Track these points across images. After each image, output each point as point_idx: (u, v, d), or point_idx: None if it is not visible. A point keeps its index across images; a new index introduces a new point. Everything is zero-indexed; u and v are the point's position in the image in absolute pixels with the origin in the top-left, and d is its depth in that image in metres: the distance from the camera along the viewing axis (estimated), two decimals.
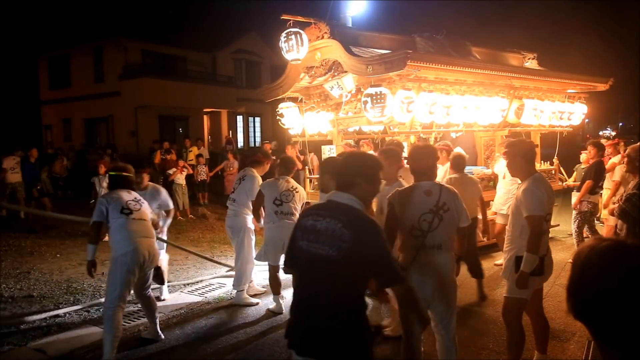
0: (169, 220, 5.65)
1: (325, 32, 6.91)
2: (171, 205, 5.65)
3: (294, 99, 8.06)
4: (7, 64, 23.62)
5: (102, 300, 5.68)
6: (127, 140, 20.87)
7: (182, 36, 22.96)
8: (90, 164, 16.76)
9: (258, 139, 27.11)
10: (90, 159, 16.97)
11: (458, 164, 5.78)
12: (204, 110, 24.44)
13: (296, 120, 7.85)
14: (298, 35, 6.77)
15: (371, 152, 8.65)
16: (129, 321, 5.05)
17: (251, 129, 27.44)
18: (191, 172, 12.55)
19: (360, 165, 2.44)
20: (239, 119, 26.43)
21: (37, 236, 9.49)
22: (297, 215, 5.23)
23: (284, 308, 5.20)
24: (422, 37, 7.78)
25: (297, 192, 5.34)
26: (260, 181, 5.60)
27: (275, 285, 5.30)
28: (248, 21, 25.58)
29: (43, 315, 5.17)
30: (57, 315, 5.20)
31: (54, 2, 25.78)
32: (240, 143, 25.64)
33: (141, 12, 22.82)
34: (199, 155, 13.75)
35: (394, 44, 7.49)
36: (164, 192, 5.57)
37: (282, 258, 5.22)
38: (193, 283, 6.40)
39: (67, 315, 5.24)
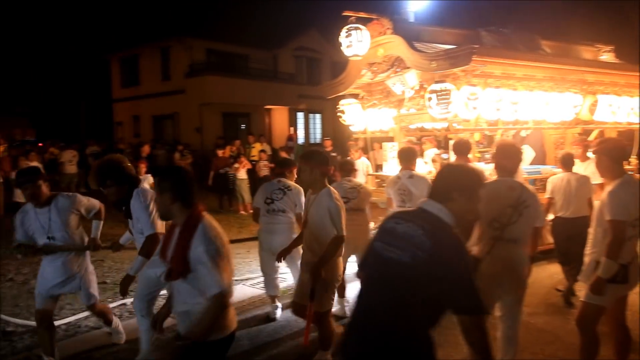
0: None
1: (388, 28, 6.84)
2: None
3: (355, 96, 8.03)
4: (83, 65, 25.01)
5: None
6: (192, 137, 21.57)
7: (244, 35, 23.45)
8: (157, 160, 17.51)
9: (318, 136, 27.27)
10: (157, 154, 17.70)
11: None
12: (266, 107, 24.86)
13: (357, 116, 7.82)
14: (359, 31, 6.74)
15: (432, 149, 8.50)
16: None
17: (312, 126, 27.64)
18: (250, 167, 12.79)
19: (459, 179, 2.23)
20: (300, 115, 26.68)
21: (109, 226, 9.97)
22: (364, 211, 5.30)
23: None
24: (488, 31, 7.54)
25: (361, 189, 5.37)
26: None
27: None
28: (309, 18, 25.75)
29: (117, 303, 5.47)
30: (124, 304, 5.49)
31: (124, 4, 27.06)
32: (301, 140, 25.88)
33: (205, 11, 23.50)
34: (261, 151, 14.00)
35: (458, 39, 7.30)
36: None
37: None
38: (255, 277, 6.52)
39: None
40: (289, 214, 5.08)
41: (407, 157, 5.29)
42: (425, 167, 7.86)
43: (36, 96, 25.61)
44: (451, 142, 6.84)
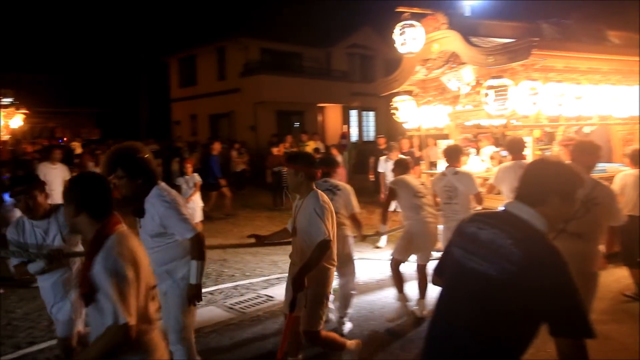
0: None
1: (443, 23, 6.72)
2: None
3: (409, 93, 7.93)
4: (144, 67, 26.03)
5: (225, 285, 6.09)
6: (247, 135, 21.98)
7: (298, 33, 23.64)
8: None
9: (372, 133, 27.13)
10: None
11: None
12: (319, 105, 24.97)
13: (412, 114, 7.72)
14: (413, 27, 6.65)
15: (489, 147, 8.27)
16: (249, 306, 5.33)
17: (365, 123, 27.54)
18: None
19: (557, 178, 1.91)
20: (353, 113, 26.63)
21: None
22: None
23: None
24: (548, 23, 7.25)
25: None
26: None
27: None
28: (362, 16, 25.62)
29: None
30: None
31: (181, 8, 27.91)
32: (355, 137, 25.83)
33: (259, 11, 23.87)
34: (315, 149, 14.08)
35: (517, 32, 7.06)
36: None
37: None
38: None
39: None
40: (341, 213, 5.01)
41: (453, 154, 5.31)
42: (483, 164, 7.67)
43: (101, 97, 26.86)
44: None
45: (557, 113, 6.25)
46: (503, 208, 1.97)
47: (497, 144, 8.58)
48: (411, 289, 5.22)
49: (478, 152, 8.42)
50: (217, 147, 11.54)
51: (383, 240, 7.79)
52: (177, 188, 7.68)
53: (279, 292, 5.69)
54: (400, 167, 5.50)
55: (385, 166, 8.65)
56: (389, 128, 21.64)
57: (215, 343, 4.46)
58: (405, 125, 8.16)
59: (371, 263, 6.99)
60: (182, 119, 27.08)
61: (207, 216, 10.20)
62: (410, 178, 5.30)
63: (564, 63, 6.34)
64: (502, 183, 5.33)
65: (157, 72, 27.90)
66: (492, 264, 1.76)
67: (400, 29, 6.68)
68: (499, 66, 5.93)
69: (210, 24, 24.75)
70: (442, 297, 1.96)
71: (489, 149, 8.53)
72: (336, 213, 4.63)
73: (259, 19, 23.43)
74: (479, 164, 7.65)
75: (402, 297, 5.06)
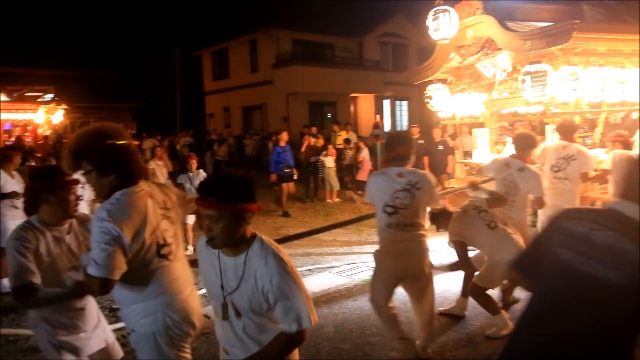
0: None
1: (478, 8, 6.52)
2: None
3: (443, 81, 7.77)
4: (178, 61, 26.43)
5: None
6: (280, 126, 22.02)
7: (329, 23, 23.53)
8: (247, 149, 18.14)
9: (405, 123, 26.84)
10: (247, 144, 18.32)
11: None
12: (351, 95, 24.83)
13: (445, 102, 7.56)
14: (447, 13, 6.48)
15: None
16: None
17: (398, 113, 27.25)
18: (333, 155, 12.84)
19: None
20: (386, 103, 26.39)
21: None
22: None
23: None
24: (590, 4, 6.96)
25: None
26: None
27: None
28: (394, 3, 25.30)
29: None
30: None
31: (213, 1, 28.21)
32: (387, 127, 25.61)
33: (290, 2, 23.85)
34: (347, 140, 14.00)
35: (556, 15, 6.80)
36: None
37: None
38: (340, 265, 6.56)
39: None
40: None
41: (524, 144, 4.69)
42: None
43: (137, 91, 27.46)
44: (548, 127, 6.41)
45: (599, 99, 6.00)
46: (611, 206, 1.74)
47: (534, 131, 8.33)
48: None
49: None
50: (284, 137, 10.81)
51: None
52: (180, 187, 6.97)
53: (311, 283, 5.70)
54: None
55: None
56: (422, 117, 21.37)
57: None
58: (439, 114, 8.01)
59: None
60: (216, 112, 27.43)
61: (284, 212, 10.15)
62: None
63: (607, 46, 6.06)
64: (543, 160, 5.24)
65: (191, 65, 28.29)
66: (614, 270, 1.59)
67: (434, 15, 6.53)
68: (537, 51, 5.72)
69: (242, 17, 24.91)
70: (539, 301, 1.75)
71: None
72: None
73: (290, 10, 23.42)
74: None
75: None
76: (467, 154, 8.81)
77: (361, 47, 25.69)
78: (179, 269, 2.41)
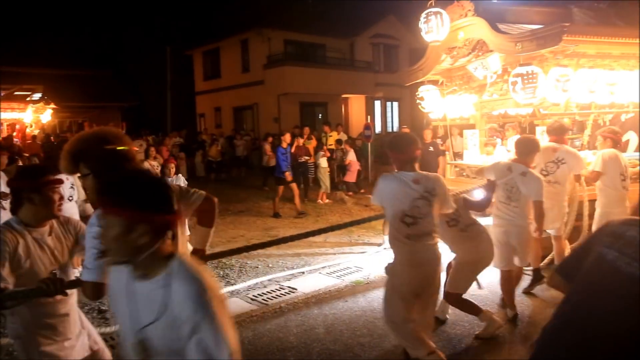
0: None
1: (469, 10, 6.56)
2: None
3: (434, 82, 7.79)
4: (169, 60, 26.30)
5: (247, 277, 6.09)
6: (271, 126, 22.03)
7: (321, 24, 23.53)
8: (237, 149, 18.06)
9: (396, 124, 26.90)
10: (238, 145, 18.25)
11: None
12: (343, 95, 24.85)
13: (437, 103, 7.59)
14: (438, 15, 6.51)
15: (516, 136, 8.07)
16: (271, 298, 5.32)
17: (389, 114, 27.30)
18: (329, 155, 12.83)
19: None
20: (377, 104, 26.42)
21: None
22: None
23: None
24: (580, 7, 7.01)
25: None
26: None
27: None
28: (386, 4, 25.35)
29: None
30: None
31: (204, 2, 28.14)
32: (378, 128, 25.65)
33: (282, 2, 23.82)
34: (338, 141, 14.01)
35: (546, 18, 6.85)
36: None
37: None
38: (331, 265, 6.54)
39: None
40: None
41: (526, 149, 4.59)
42: (508, 155, 7.48)
43: (127, 91, 27.26)
44: (538, 129, 6.45)
45: (588, 101, 6.05)
46: None
47: (524, 133, 8.38)
48: None
49: (504, 142, 8.23)
50: (287, 138, 10.73)
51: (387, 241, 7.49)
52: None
53: (301, 284, 5.69)
54: None
55: None
56: (413, 118, 21.42)
57: (237, 334, 4.45)
58: (430, 115, 8.03)
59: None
60: (207, 112, 27.30)
61: (275, 213, 10.11)
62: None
63: (597, 49, 6.11)
64: (490, 176, 4.86)
65: (182, 65, 28.15)
66: None
67: (425, 17, 6.55)
68: (528, 53, 5.75)
69: (234, 17, 24.83)
70: (579, 302, 1.73)
71: (515, 139, 8.32)
72: None
73: (282, 11, 23.38)
74: (505, 154, 7.48)
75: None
76: (458, 155, 8.82)
77: (353, 48, 25.72)
78: None
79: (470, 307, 4.29)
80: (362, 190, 12.42)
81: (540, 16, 6.92)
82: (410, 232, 3.29)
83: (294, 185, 10.26)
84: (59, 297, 2.37)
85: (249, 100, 23.97)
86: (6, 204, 5.82)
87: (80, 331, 2.69)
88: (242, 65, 24.63)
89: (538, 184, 4.38)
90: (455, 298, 4.28)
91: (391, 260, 3.48)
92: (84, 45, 27.75)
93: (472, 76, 7.23)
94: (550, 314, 1.81)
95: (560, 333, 1.71)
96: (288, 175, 10.21)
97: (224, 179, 16.49)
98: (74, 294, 2.64)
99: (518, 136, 8.18)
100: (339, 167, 13.28)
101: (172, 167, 7.12)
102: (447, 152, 9.29)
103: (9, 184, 2.67)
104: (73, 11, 28.99)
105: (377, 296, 5.32)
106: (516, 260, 4.55)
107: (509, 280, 4.62)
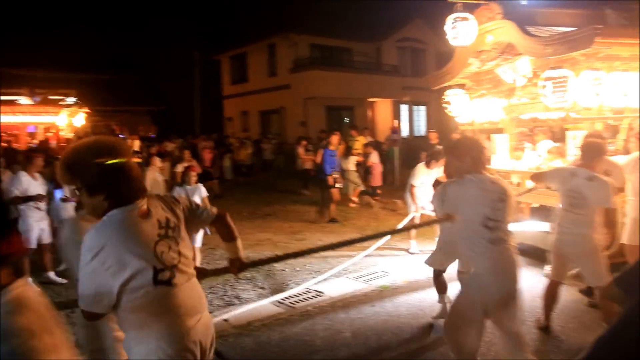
0: None
1: (498, 13, 6.49)
2: None
3: (461, 86, 7.73)
4: (197, 65, 26.70)
5: (275, 280, 6.14)
6: (297, 130, 22.11)
7: (347, 28, 23.56)
8: (265, 153, 18.22)
9: (423, 128, 26.71)
10: (265, 148, 18.41)
11: None
12: (369, 99, 24.82)
13: (464, 107, 7.52)
14: (465, 19, 6.46)
15: (546, 141, 7.95)
16: (298, 301, 5.35)
17: (415, 118, 27.14)
18: (361, 160, 12.82)
19: None
20: (404, 107, 26.30)
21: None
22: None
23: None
24: (613, 8, 6.86)
25: None
26: None
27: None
28: (413, 8, 25.23)
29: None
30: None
31: (232, 6, 28.49)
32: (405, 132, 25.52)
33: (309, 7, 23.95)
34: (365, 144, 13.98)
35: (578, 20, 6.73)
36: None
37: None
38: (358, 270, 6.54)
39: (245, 290, 5.76)
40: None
41: (592, 153, 4.30)
42: (539, 160, 7.37)
43: (157, 95, 27.78)
44: (569, 134, 6.32)
45: (622, 104, 5.91)
46: None
47: (554, 138, 8.24)
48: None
49: (534, 147, 8.10)
50: (334, 140, 10.48)
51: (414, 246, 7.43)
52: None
53: (328, 287, 5.70)
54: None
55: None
56: (440, 122, 21.21)
57: (265, 337, 4.50)
58: (457, 120, 7.96)
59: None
60: (234, 116, 27.62)
61: (331, 219, 9.96)
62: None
63: (631, 51, 5.96)
64: (552, 182, 4.73)
65: (210, 70, 28.56)
66: None
67: (452, 21, 6.51)
68: (558, 56, 5.66)
69: (261, 21, 25.07)
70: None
71: (545, 144, 8.19)
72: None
73: (308, 15, 23.51)
74: (536, 159, 7.37)
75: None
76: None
77: (379, 52, 25.68)
78: (183, 295, 2.07)
79: (438, 286, 4.79)
80: (379, 193, 12.28)
81: (571, 18, 6.81)
82: (494, 236, 3.09)
83: (335, 191, 10.15)
84: None
85: (276, 104, 24.16)
86: (42, 205, 6.01)
87: None
88: (269, 70, 24.86)
89: (607, 190, 4.07)
90: (435, 275, 4.77)
91: (466, 270, 3.30)
92: (114, 50, 28.40)
93: (500, 80, 7.16)
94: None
95: (615, 342, 1.70)
96: (330, 179, 10.11)
97: (252, 182, 16.65)
98: None
99: (548, 141, 8.09)
100: (365, 170, 13.26)
101: (194, 175, 6.70)
102: None
103: None
104: (103, 17, 29.77)
105: (404, 301, 5.32)
106: (589, 280, 4.34)
107: (552, 291, 4.41)
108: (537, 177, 4.90)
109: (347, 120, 23.96)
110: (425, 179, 6.87)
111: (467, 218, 3.17)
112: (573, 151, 6.17)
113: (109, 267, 1.94)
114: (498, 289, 3.12)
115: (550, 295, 4.44)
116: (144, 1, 31.93)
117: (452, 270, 4.80)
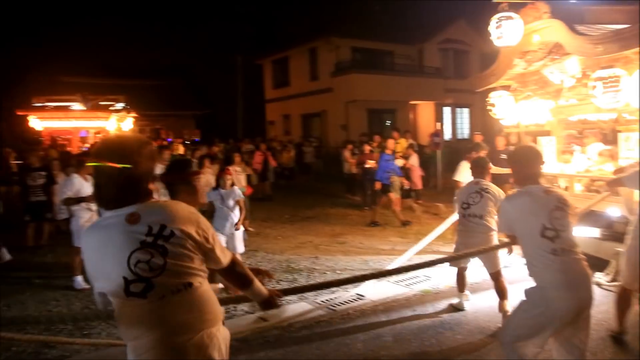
0: None
1: (545, 12, 6.31)
2: None
3: (506, 87, 7.56)
4: (240, 69, 27.19)
5: (316, 282, 6.16)
6: (338, 134, 22.17)
7: (388, 31, 23.48)
8: (306, 156, 18.34)
9: (466, 131, 26.27)
10: (306, 152, 18.53)
11: None
12: (411, 102, 24.61)
13: (509, 109, 7.35)
14: (510, 19, 6.32)
15: (597, 144, 7.67)
16: (339, 304, 5.35)
17: (458, 121, 26.72)
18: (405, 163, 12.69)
19: None
20: (446, 110, 25.94)
21: (258, 222, 10.71)
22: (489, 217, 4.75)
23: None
24: None
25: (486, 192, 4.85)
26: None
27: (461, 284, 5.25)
28: (455, 9, 24.89)
29: None
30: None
31: (274, 10, 28.88)
32: (448, 135, 25.16)
33: (350, 10, 23.99)
34: (408, 147, 13.83)
35: (630, 17, 6.46)
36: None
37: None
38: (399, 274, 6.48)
39: None
40: (487, 219, 4.74)
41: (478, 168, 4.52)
42: (588, 163, 7.13)
43: (201, 99, 28.45)
44: (621, 136, 6.09)
45: None
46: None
47: (605, 140, 7.94)
48: None
49: (583, 150, 7.83)
50: (390, 145, 10.57)
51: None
52: (210, 205, 6.28)
53: (369, 290, 5.68)
54: (476, 167, 5.08)
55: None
56: (484, 125, 20.81)
57: (305, 339, 4.52)
58: (502, 122, 7.79)
59: None
60: (276, 119, 27.95)
61: (373, 222, 9.95)
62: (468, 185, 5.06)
63: None
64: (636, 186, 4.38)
65: (252, 74, 29.04)
66: None
67: (497, 22, 6.37)
68: (610, 55, 5.46)
69: (302, 26, 25.32)
70: None
71: (596, 146, 7.90)
72: (480, 217, 4.76)
73: (349, 18, 23.56)
74: (585, 162, 7.12)
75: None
76: None
77: (421, 54, 25.44)
78: (167, 311, 1.86)
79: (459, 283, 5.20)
80: (414, 195, 12.09)
81: (623, 15, 6.56)
82: (556, 247, 2.92)
83: (392, 195, 9.99)
84: None
85: (317, 108, 24.29)
86: (94, 205, 6.22)
87: None
88: (311, 74, 25.03)
89: None
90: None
91: (532, 285, 3.07)
92: (159, 56, 29.30)
93: (547, 81, 6.95)
94: None
95: None
96: (378, 184, 10.02)
97: (292, 185, 16.79)
98: None
99: (599, 143, 7.81)
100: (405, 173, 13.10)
101: (229, 179, 6.38)
102: None
103: (161, 178, 2.78)
104: (148, 24, 30.78)
105: (446, 306, 5.25)
106: None
107: (624, 298, 4.20)
108: (614, 182, 4.58)
109: (388, 123, 23.82)
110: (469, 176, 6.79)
111: (525, 232, 3.06)
112: (625, 154, 5.94)
113: (90, 273, 1.96)
114: (566, 304, 2.88)
115: (622, 302, 4.23)
116: (187, 9, 32.82)
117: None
